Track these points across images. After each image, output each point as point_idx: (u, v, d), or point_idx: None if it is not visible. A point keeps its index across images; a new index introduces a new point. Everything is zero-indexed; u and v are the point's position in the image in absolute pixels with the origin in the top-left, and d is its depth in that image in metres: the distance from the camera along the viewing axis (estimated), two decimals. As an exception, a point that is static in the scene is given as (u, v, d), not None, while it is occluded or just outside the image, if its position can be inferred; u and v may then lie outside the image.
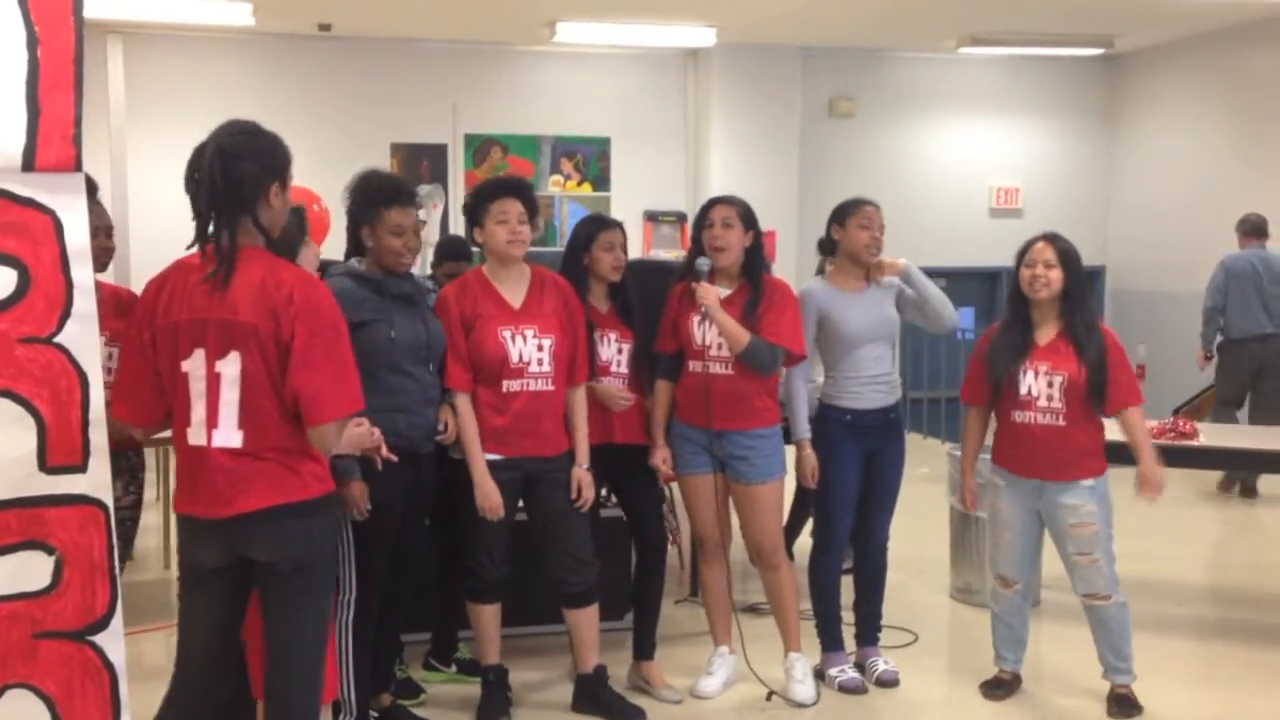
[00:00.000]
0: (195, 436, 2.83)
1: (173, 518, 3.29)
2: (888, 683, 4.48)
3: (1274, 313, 7.72)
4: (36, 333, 2.86)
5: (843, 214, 4.38)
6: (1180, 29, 9.79)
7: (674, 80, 10.35)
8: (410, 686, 4.32)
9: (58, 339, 2.88)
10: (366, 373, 3.64)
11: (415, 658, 4.55)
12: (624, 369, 4.30)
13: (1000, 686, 4.40)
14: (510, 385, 3.94)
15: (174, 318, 2.83)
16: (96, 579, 2.95)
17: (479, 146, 9.99)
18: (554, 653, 4.63)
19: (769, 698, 4.29)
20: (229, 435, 2.80)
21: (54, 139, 2.84)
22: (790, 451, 4.34)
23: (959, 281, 10.12)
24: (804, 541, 5.03)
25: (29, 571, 2.88)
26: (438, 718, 4.19)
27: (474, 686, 4.25)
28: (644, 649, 4.44)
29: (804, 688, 4.29)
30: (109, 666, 2.97)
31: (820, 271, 4.51)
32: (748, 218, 4.23)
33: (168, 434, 3.03)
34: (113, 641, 2.97)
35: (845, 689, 4.41)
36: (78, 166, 2.89)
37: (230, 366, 2.78)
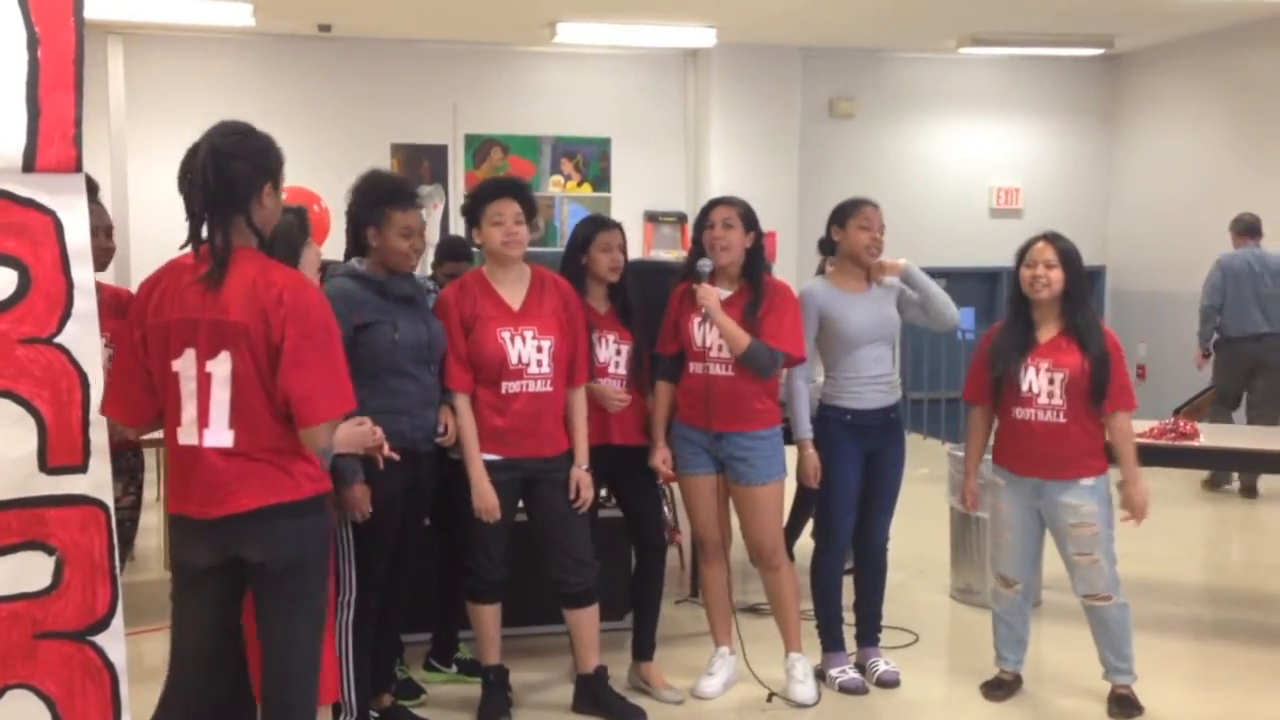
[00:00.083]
0: (186, 436, 2.82)
1: (173, 518, 3.28)
2: (888, 683, 4.48)
3: (1270, 312, 7.75)
4: (37, 333, 2.87)
5: (842, 215, 4.37)
6: (1180, 29, 9.79)
7: (674, 81, 10.35)
8: (411, 687, 4.32)
9: (58, 339, 2.89)
10: (369, 375, 3.66)
11: (416, 658, 4.55)
12: (622, 370, 4.30)
13: (1001, 687, 4.40)
14: (509, 386, 3.94)
15: (165, 317, 2.82)
16: (97, 579, 2.95)
17: (479, 147, 9.98)
18: (554, 653, 4.63)
19: (769, 699, 4.29)
20: (220, 435, 2.79)
21: (54, 139, 2.85)
22: (791, 452, 4.34)
23: (959, 282, 10.11)
24: (805, 542, 5.03)
25: (29, 572, 2.89)
26: (438, 718, 4.19)
27: (474, 687, 4.25)
28: (643, 650, 4.44)
29: (805, 688, 4.29)
30: (109, 667, 2.97)
31: (821, 271, 4.51)
32: (749, 218, 4.23)
33: (167, 435, 3.03)
34: (113, 642, 2.97)
35: (846, 689, 4.41)
36: (78, 167, 2.90)
37: (221, 366, 2.78)
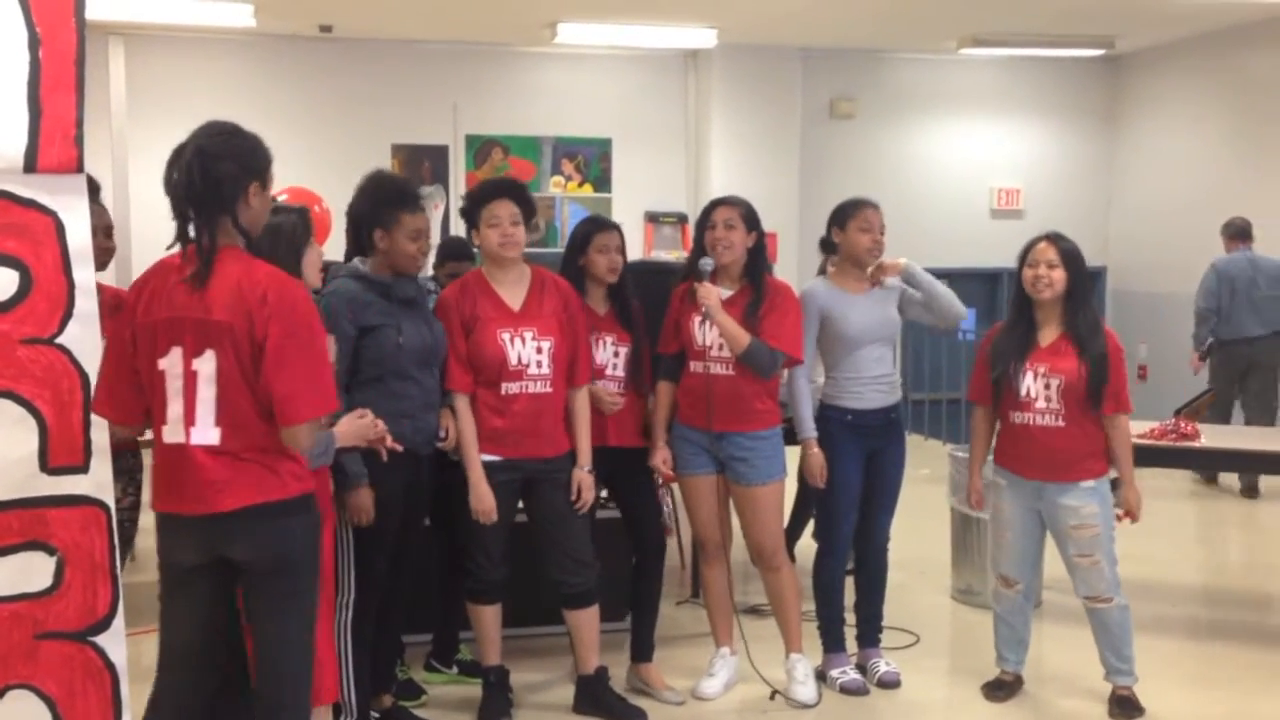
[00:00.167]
0: (172, 434, 2.81)
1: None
2: (889, 684, 4.47)
3: (1263, 315, 7.80)
4: (38, 334, 2.87)
5: (843, 217, 4.37)
6: (1180, 30, 9.79)
7: (675, 81, 10.35)
8: (411, 688, 4.32)
9: (59, 340, 2.89)
10: (373, 378, 3.67)
11: (416, 659, 4.55)
12: (620, 372, 4.30)
13: (1002, 688, 4.40)
14: (509, 388, 3.94)
15: (153, 316, 2.82)
16: (98, 579, 2.95)
17: (480, 147, 9.98)
18: (555, 654, 4.63)
19: (772, 697, 4.29)
20: (207, 433, 2.78)
21: (56, 140, 2.85)
22: (793, 452, 4.34)
23: (960, 282, 10.00)
24: (806, 543, 5.03)
25: (31, 572, 2.89)
26: (439, 719, 4.19)
27: (475, 688, 4.25)
28: (642, 651, 4.43)
29: (806, 689, 4.29)
30: (110, 667, 2.97)
31: (822, 271, 4.51)
32: (750, 219, 4.22)
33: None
34: (114, 642, 2.97)
35: (847, 690, 4.41)
36: (79, 168, 2.90)
37: (206, 365, 2.78)
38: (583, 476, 4.04)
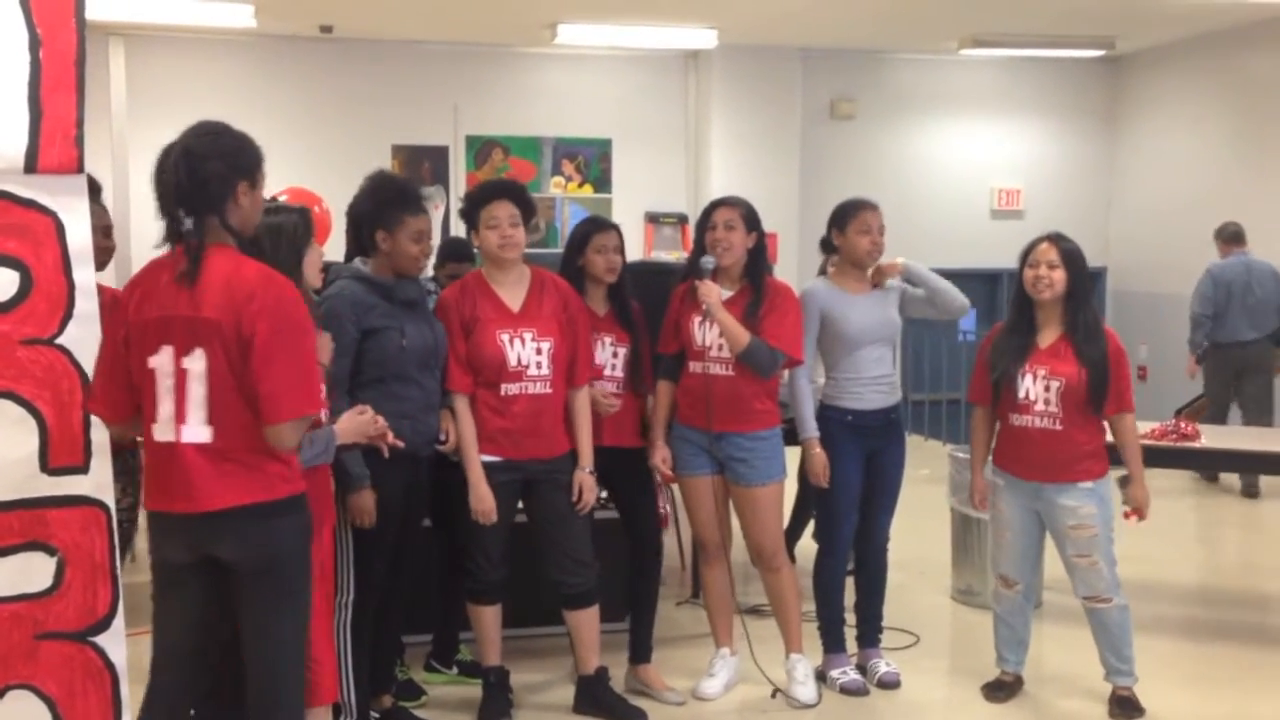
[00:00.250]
0: (162, 433, 2.81)
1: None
2: (889, 684, 4.48)
3: (1256, 319, 7.84)
4: (38, 334, 2.87)
5: (842, 218, 4.36)
6: (1180, 30, 9.78)
7: (675, 82, 10.35)
8: (411, 688, 4.32)
9: (59, 340, 2.90)
10: (375, 380, 3.67)
11: (416, 659, 4.55)
12: (618, 373, 4.30)
13: (1001, 688, 4.40)
14: (509, 388, 3.94)
15: (144, 315, 2.82)
16: (98, 580, 2.95)
17: (480, 148, 9.98)
18: (555, 654, 4.63)
19: (774, 695, 4.29)
20: (198, 431, 2.78)
21: (56, 141, 2.85)
22: (793, 452, 4.34)
23: (960, 283, 9.89)
24: (806, 543, 5.03)
25: (31, 572, 2.89)
26: (438, 719, 4.19)
27: (475, 688, 4.25)
28: (641, 652, 4.42)
29: (806, 689, 4.29)
30: (110, 667, 2.98)
31: (823, 270, 4.51)
32: (750, 219, 4.22)
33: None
34: (114, 642, 2.98)
35: (847, 690, 4.41)
36: (80, 168, 2.91)
37: (196, 363, 2.77)
38: (584, 478, 4.04)
